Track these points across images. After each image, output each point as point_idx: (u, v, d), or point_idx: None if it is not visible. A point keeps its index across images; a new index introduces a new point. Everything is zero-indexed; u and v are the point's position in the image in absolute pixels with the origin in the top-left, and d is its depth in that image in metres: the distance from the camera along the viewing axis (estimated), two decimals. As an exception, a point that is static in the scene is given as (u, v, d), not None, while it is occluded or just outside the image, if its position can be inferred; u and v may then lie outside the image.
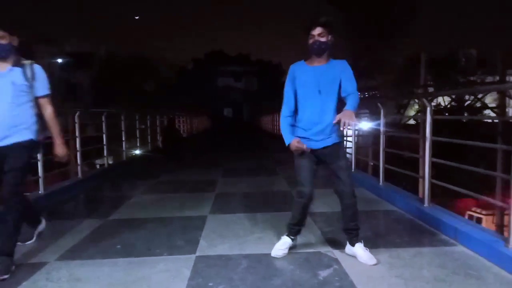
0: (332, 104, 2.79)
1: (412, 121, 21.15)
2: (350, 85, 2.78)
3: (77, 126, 6.03)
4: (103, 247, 3.24)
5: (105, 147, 7.19)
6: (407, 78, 20.63)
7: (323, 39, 2.72)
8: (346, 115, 2.58)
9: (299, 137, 2.85)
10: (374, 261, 2.82)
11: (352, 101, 2.71)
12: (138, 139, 9.55)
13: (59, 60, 33.64)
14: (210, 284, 2.54)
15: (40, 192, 4.95)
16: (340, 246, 3.15)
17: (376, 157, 5.48)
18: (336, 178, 2.84)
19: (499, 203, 3.01)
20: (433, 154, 3.94)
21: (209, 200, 4.98)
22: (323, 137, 2.81)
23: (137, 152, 9.68)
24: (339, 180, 2.83)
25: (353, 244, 2.92)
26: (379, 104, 5.10)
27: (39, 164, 4.99)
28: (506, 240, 2.81)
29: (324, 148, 2.82)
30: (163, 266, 2.84)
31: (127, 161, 8.43)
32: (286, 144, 2.90)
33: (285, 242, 3.00)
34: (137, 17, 44.83)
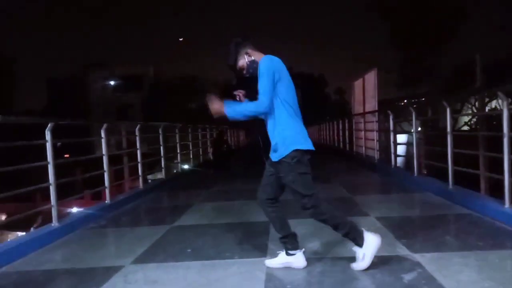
0: (268, 117, 2.61)
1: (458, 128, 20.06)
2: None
3: (137, 139, 6.26)
4: (174, 251, 3.27)
5: (162, 159, 7.39)
6: (459, 84, 19.66)
7: (244, 70, 2.67)
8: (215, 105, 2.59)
9: None
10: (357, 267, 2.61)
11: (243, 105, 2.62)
12: (191, 152, 9.75)
13: (112, 83, 35.62)
14: (288, 286, 2.46)
15: (106, 201, 5.15)
16: (418, 249, 2.97)
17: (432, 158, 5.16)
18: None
19: None
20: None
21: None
22: (272, 152, 2.67)
23: (190, 164, 9.89)
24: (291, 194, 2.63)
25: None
26: (444, 103, 4.85)
27: (106, 176, 5.22)
28: None
29: (273, 162, 2.65)
30: (236, 269, 2.81)
31: (181, 173, 8.61)
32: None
33: (280, 257, 2.78)
34: (181, 39, 46.47)
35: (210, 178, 8.23)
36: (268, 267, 2.77)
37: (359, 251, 2.60)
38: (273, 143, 2.63)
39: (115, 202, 5.24)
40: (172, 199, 6.25)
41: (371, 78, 9.44)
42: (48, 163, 3.96)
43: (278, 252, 2.81)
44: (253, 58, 2.64)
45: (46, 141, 3.94)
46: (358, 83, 10.83)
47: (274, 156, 2.62)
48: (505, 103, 3.63)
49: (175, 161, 8.59)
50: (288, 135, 2.56)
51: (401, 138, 10.06)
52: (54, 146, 3.96)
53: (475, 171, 4.66)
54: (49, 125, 3.92)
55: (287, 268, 2.72)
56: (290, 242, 2.73)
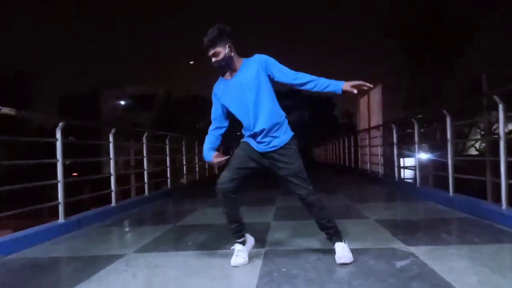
0: (261, 108, 2.58)
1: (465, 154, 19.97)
2: (286, 77, 2.58)
3: (144, 147, 6.42)
4: (175, 244, 3.37)
5: (168, 168, 7.53)
6: (468, 103, 19.60)
7: (219, 58, 2.55)
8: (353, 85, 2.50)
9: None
10: (347, 260, 2.57)
11: (320, 84, 2.56)
12: (197, 165, 9.89)
13: (122, 102, 36.32)
14: (283, 269, 2.53)
15: (112, 204, 5.28)
16: (414, 243, 3.02)
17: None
18: (289, 183, 2.63)
19: None
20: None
21: (270, 211, 5.00)
22: (265, 141, 2.62)
23: (195, 176, 10.01)
24: (292, 185, 2.62)
25: (333, 243, 2.69)
26: (444, 112, 4.95)
27: (112, 179, 5.36)
28: None
29: (268, 152, 2.63)
30: (234, 256, 2.88)
31: (187, 184, 8.73)
32: (206, 160, 2.85)
33: (238, 250, 2.71)
34: (191, 62, 47.47)
35: (213, 189, 8.32)
36: (265, 254, 2.86)
37: (341, 245, 2.64)
38: (268, 126, 2.58)
39: (120, 206, 5.36)
40: (176, 205, 6.36)
41: (376, 94, 9.60)
42: (57, 160, 4.11)
43: (231, 248, 2.74)
44: (232, 54, 2.59)
45: (56, 139, 4.11)
46: (363, 100, 10.99)
47: (269, 146, 2.60)
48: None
49: (181, 173, 8.72)
50: (285, 121, 2.68)
51: (410, 161, 9.99)
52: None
53: (475, 177, 4.70)
54: (60, 124, 4.11)
55: (284, 254, 2.80)
56: (244, 228, 2.75)
